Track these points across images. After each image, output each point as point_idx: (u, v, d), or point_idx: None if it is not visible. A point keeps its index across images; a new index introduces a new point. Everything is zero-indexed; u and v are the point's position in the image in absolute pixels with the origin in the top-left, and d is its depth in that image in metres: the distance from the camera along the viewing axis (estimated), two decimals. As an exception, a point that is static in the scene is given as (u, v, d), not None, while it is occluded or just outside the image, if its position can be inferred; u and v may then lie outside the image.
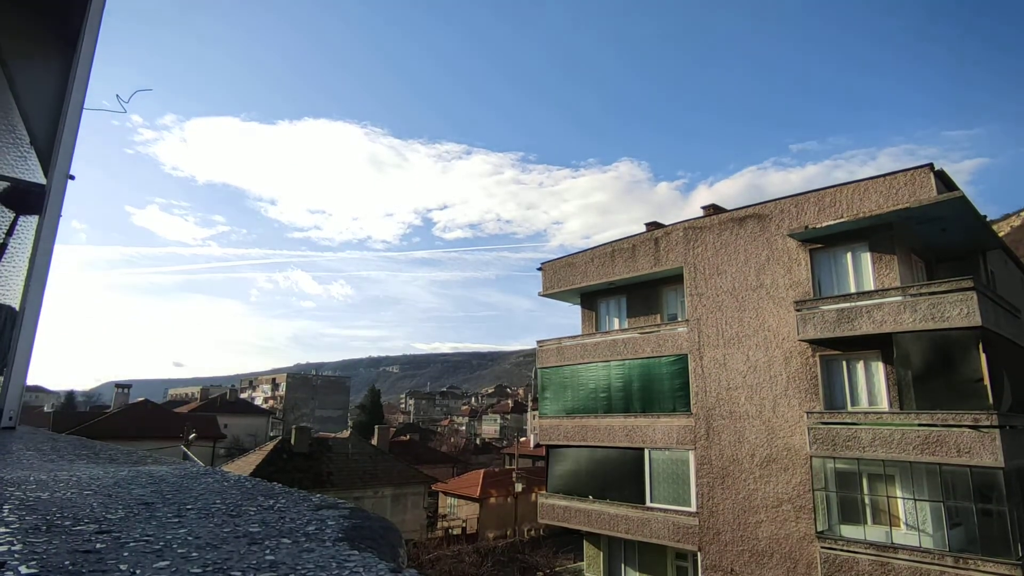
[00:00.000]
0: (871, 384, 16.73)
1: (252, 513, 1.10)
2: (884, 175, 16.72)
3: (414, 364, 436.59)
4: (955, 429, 14.28)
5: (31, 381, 2.72)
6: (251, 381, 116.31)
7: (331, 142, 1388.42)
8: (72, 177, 2.63)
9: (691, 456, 19.78)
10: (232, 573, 0.72)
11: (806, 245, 18.21)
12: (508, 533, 35.64)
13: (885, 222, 16.63)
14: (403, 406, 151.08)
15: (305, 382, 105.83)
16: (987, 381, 14.23)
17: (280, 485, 1.42)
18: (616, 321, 24.49)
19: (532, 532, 35.66)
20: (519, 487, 37.96)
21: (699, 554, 19.07)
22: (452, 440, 75.56)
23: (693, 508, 19.44)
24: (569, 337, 24.65)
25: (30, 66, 2.93)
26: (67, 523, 0.95)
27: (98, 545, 0.83)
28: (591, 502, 22.14)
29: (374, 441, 39.14)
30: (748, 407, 18.60)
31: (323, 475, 29.20)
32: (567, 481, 23.41)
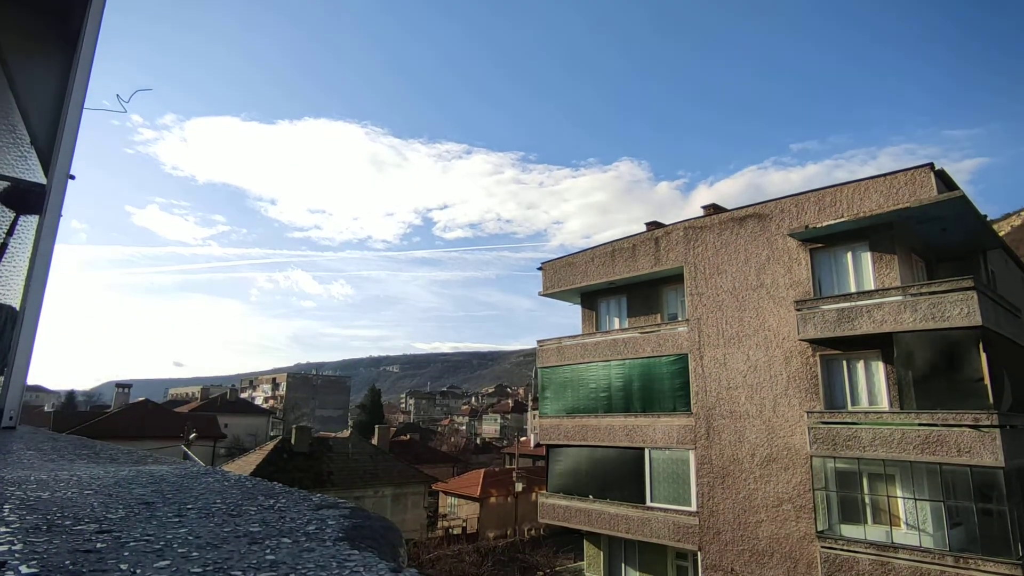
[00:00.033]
0: (871, 384, 16.73)
1: (252, 513, 1.10)
2: (884, 175, 16.72)
3: (414, 364, 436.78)
4: (955, 429, 14.28)
5: (31, 381, 2.72)
6: (251, 381, 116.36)
7: (331, 142, 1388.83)
8: (72, 177, 2.63)
9: (691, 456, 19.79)
10: (233, 573, 0.72)
11: (806, 245, 18.21)
12: (508, 533, 35.66)
13: (885, 222, 16.63)
14: (403, 406, 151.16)
15: (305, 382, 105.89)
16: (987, 381, 14.23)
17: (280, 485, 1.42)
18: (616, 321, 24.49)
19: (532, 532, 35.68)
20: (519, 487, 37.98)
21: (699, 554, 19.07)
22: (452, 440, 75.57)
23: (693, 508, 19.45)
24: (569, 337, 24.66)
25: (30, 66, 2.93)
26: (68, 523, 0.95)
27: (99, 545, 0.83)
28: (591, 502, 22.15)
29: (374, 441, 39.15)
30: (748, 407, 18.60)
31: (323, 475, 29.22)
32: (567, 481, 23.42)
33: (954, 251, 18.87)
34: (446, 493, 41.16)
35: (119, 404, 46.62)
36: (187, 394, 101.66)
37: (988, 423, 13.86)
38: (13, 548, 0.78)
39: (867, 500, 16.07)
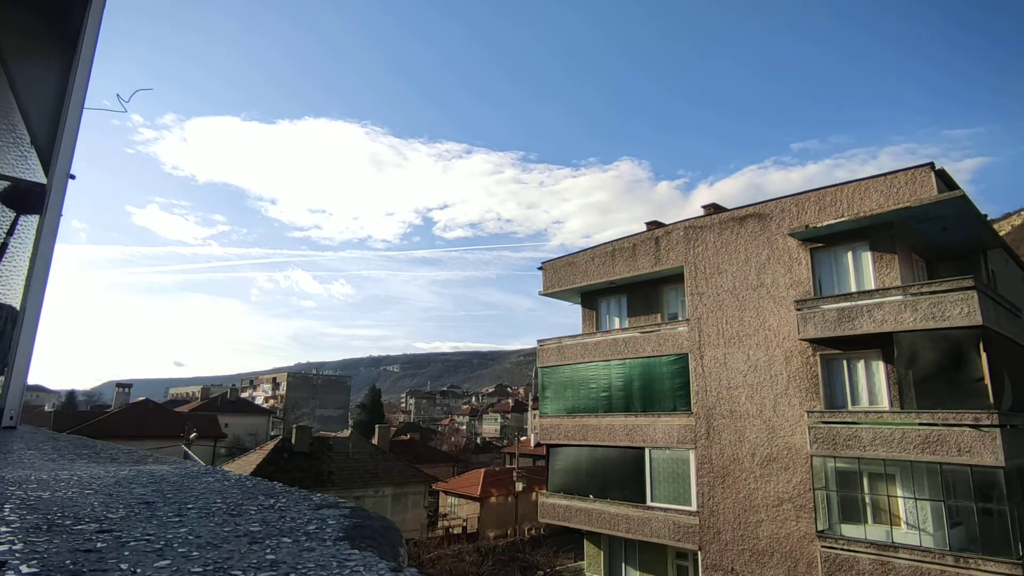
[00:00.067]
0: (872, 383, 16.73)
1: (253, 512, 1.10)
2: (885, 174, 16.71)
3: (415, 363, 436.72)
4: (956, 428, 14.28)
5: (32, 381, 2.72)
6: (252, 380, 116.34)
7: (331, 141, 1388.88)
8: (73, 176, 2.63)
9: (691, 455, 19.79)
10: (233, 572, 0.72)
11: (807, 244, 18.21)
12: (509, 532, 35.67)
13: (886, 221, 16.62)
14: (404, 405, 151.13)
15: (306, 381, 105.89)
16: (988, 380, 14.22)
17: (281, 484, 1.42)
18: (616, 320, 24.49)
19: (533, 531, 35.69)
20: (520, 486, 37.97)
21: (699, 553, 19.08)
22: (453, 439, 75.56)
23: (693, 507, 19.45)
24: (570, 336, 24.66)
25: (31, 65, 2.93)
26: (68, 522, 0.95)
27: (99, 544, 0.83)
28: (592, 501, 22.15)
29: (375, 440, 39.16)
30: (749, 406, 18.60)
31: (324, 474, 29.23)
32: (568, 480, 23.42)
33: (954, 250, 18.87)
34: (446, 493, 41.17)
35: (119, 404, 46.65)
36: (187, 394, 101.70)
37: (988, 423, 13.85)
38: (14, 548, 0.78)
39: (867, 500, 16.07)
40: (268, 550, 0.83)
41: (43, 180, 2.69)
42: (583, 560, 24.36)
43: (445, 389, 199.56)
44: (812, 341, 17.33)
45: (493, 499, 38.19)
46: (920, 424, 14.82)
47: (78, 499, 1.15)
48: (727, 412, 19.06)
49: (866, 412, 16.19)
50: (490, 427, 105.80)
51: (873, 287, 16.56)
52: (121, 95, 3.31)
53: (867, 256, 17.16)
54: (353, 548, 0.86)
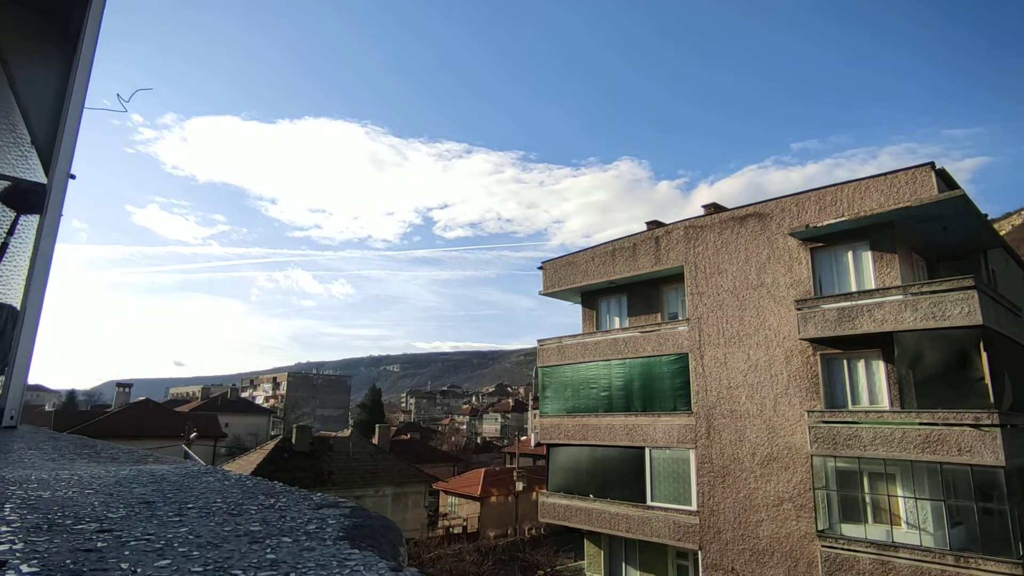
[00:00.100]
0: (872, 383, 16.73)
1: (253, 512, 1.10)
2: (885, 174, 16.71)
3: (415, 363, 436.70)
4: (956, 428, 14.28)
5: (32, 380, 2.72)
6: (252, 380, 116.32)
7: (331, 141, 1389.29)
8: (73, 176, 2.63)
9: (692, 455, 19.79)
10: (233, 572, 0.72)
11: (807, 244, 18.20)
12: (509, 532, 35.67)
13: (886, 221, 16.61)
14: (404, 405, 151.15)
15: (306, 381, 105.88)
16: (988, 380, 14.21)
17: (281, 484, 1.42)
18: (617, 320, 24.49)
19: (533, 531, 35.70)
20: (520, 486, 37.97)
21: (700, 553, 19.08)
22: (453, 439, 75.57)
23: (694, 507, 19.45)
24: (570, 336, 24.65)
25: (31, 65, 2.93)
26: (68, 522, 0.95)
27: (99, 544, 0.83)
28: (592, 501, 22.15)
29: (375, 440, 39.16)
30: (749, 406, 18.60)
31: (324, 474, 29.23)
32: (568, 480, 23.42)
33: (955, 250, 18.86)
34: (447, 492, 41.18)
35: (120, 403, 46.67)
36: (188, 393, 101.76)
37: (989, 422, 13.85)
38: (14, 547, 0.78)
39: (868, 499, 16.07)
40: (268, 550, 0.83)
41: (43, 180, 2.69)
42: (583, 560, 24.36)
43: (445, 389, 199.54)
44: (812, 341, 17.32)
45: (493, 499, 38.20)
46: (920, 424, 14.82)
47: (78, 499, 1.15)
48: (727, 412, 19.06)
49: (866, 412, 16.18)
50: (490, 427, 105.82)
51: (873, 287, 16.55)
52: (121, 95, 3.31)
53: (867, 256, 17.16)
54: (353, 548, 0.86)
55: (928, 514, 14.96)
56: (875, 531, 15.58)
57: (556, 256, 26.47)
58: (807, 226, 17.79)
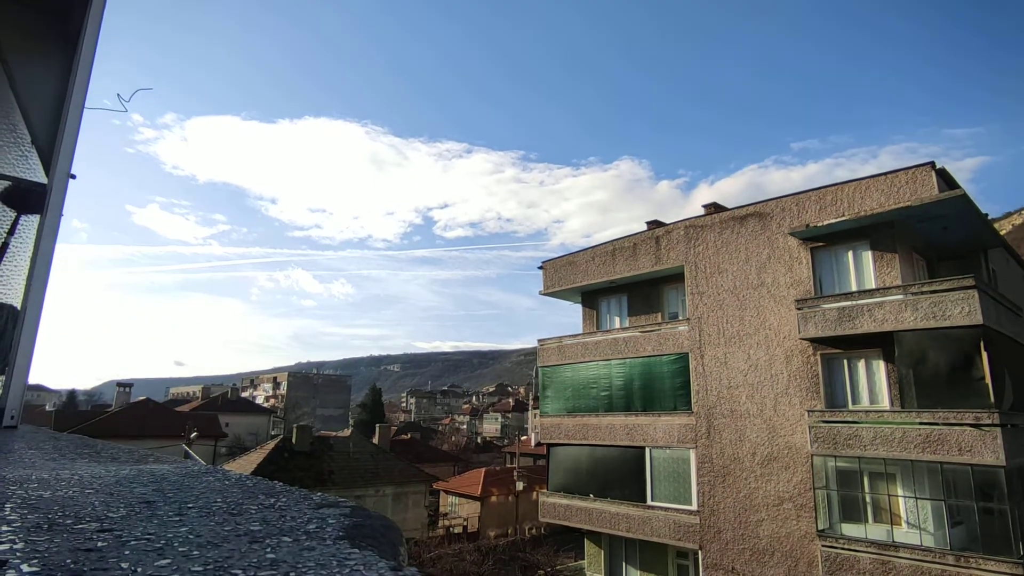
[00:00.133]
0: (872, 382, 16.72)
1: (253, 511, 1.10)
2: (885, 173, 16.70)
3: (415, 363, 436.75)
4: (956, 428, 14.27)
5: (33, 380, 2.72)
6: (252, 380, 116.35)
7: (332, 141, 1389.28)
8: (73, 176, 2.63)
9: (692, 455, 19.79)
10: (233, 571, 0.72)
11: (807, 243, 18.19)
12: (509, 532, 35.67)
13: (886, 220, 16.61)
14: (404, 405, 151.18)
15: (306, 381, 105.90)
16: (988, 379, 14.21)
17: (281, 484, 1.42)
18: (617, 320, 24.49)
19: (533, 531, 35.70)
20: (520, 486, 37.99)
21: (700, 552, 19.08)
22: (453, 439, 75.59)
23: (694, 507, 19.45)
24: (570, 336, 24.65)
25: (31, 65, 2.93)
26: (69, 521, 0.95)
27: (100, 543, 0.83)
28: (592, 501, 22.15)
29: (375, 440, 39.17)
30: (749, 406, 18.60)
31: (324, 474, 29.24)
32: (568, 480, 23.42)
33: (955, 250, 18.85)
34: (447, 492, 41.19)
35: (120, 403, 46.70)
36: (188, 393, 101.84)
37: (989, 422, 13.85)
38: (15, 547, 0.78)
39: (868, 499, 16.07)
40: (268, 549, 0.83)
41: (44, 180, 2.69)
42: (584, 559, 24.36)
43: (445, 388, 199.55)
44: (813, 340, 17.32)
45: (494, 498, 38.20)
46: (921, 423, 14.81)
47: (79, 498, 1.15)
48: (728, 411, 19.05)
49: (867, 411, 16.18)
50: (491, 426, 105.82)
51: (874, 286, 16.55)
52: (121, 95, 3.31)
53: (868, 255, 17.15)
54: (353, 547, 0.86)
55: (928, 514, 14.96)
56: (875, 531, 15.58)
57: (556, 256, 26.48)
58: (807, 226, 17.79)
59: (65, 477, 1.42)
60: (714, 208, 22.13)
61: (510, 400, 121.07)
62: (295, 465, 28.81)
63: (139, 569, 0.71)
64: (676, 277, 22.04)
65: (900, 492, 15.59)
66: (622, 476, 21.49)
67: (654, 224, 23.81)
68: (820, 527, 16.31)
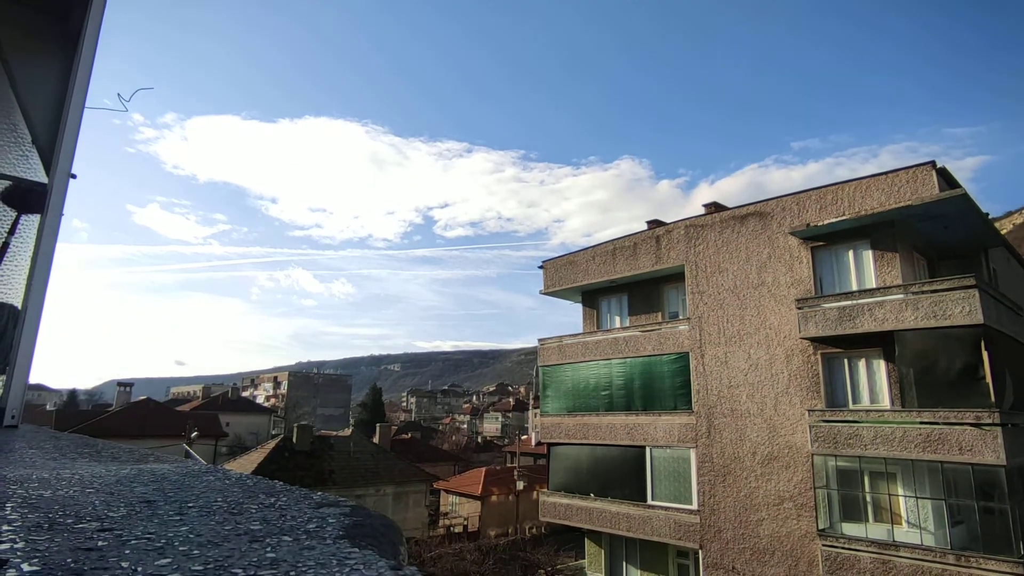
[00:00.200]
0: (873, 382, 16.72)
1: (253, 511, 1.10)
2: (886, 173, 16.69)
3: (415, 362, 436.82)
4: (957, 427, 14.27)
5: (33, 380, 2.72)
6: (253, 379, 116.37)
7: (332, 140, 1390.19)
8: (74, 176, 2.64)
9: (692, 454, 19.78)
10: (233, 570, 0.72)
11: (808, 243, 18.18)
12: (510, 531, 35.68)
13: (887, 220, 16.60)
14: (404, 404, 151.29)
15: (307, 380, 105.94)
16: (989, 379, 14.20)
17: (281, 483, 1.43)
18: (617, 319, 24.48)
19: (533, 530, 35.71)
20: (520, 485, 38.01)
21: (700, 552, 19.08)
22: (454, 438, 75.64)
23: (694, 506, 19.45)
24: (570, 335, 24.65)
25: (32, 65, 2.93)
26: (69, 521, 0.95)
27: (100, 543, 0.83)
28: (592, 500, 22.16)
29: (376, 439, 39.19)
30: (749, 405, 18.59)
31: (325, 473, 29.25)
32: (568, 479, 23.43)
33: (956, 249, 18.84)
34: (447, 491, 41.20)
35: (121, 403, 46.75)
36: (189, 393, 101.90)
37: (990, 421, 13.84)
38: (15, 546, 0.79)
39: (868, 498, 16.06)
40: (268, 548, 0.83)
41: (44, 179, 2.69)
42: (584, 559, 24.37)
43: (446, 388, 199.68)
44: (813, 340, 17.31)
45: (494, 498, 38.22)
46: (921, 423, 14.81)
47: (79, 498, 1.16)
48: (728, 411, 19.05)
49: (867, 411, 16.17)
50: (491, 426, 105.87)
51: (874, 286, 16.54)
52: (122, 94, 3.31)
53: (868, 255, 17.14)
54: (353, 546, 0.86)
55: (929, 513, 14.95)
56: (876, 530, 15.58)
57: (557, 255, 26.51)
58: (808, 225, 17.78)
59: (66, 476, 1.42)
60: (714, 207, 22.11)
61: (510, 400, 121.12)
62: (296, 464, 28.82)
63: (139, 568, 0.72)
64: (676, 276, 22.03)
65: (901, 491, 15.58)
66: (622, 475, 21.49)
67: (654, 223, 23.80)
68: (820, 526, 16.31)
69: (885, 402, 16.27)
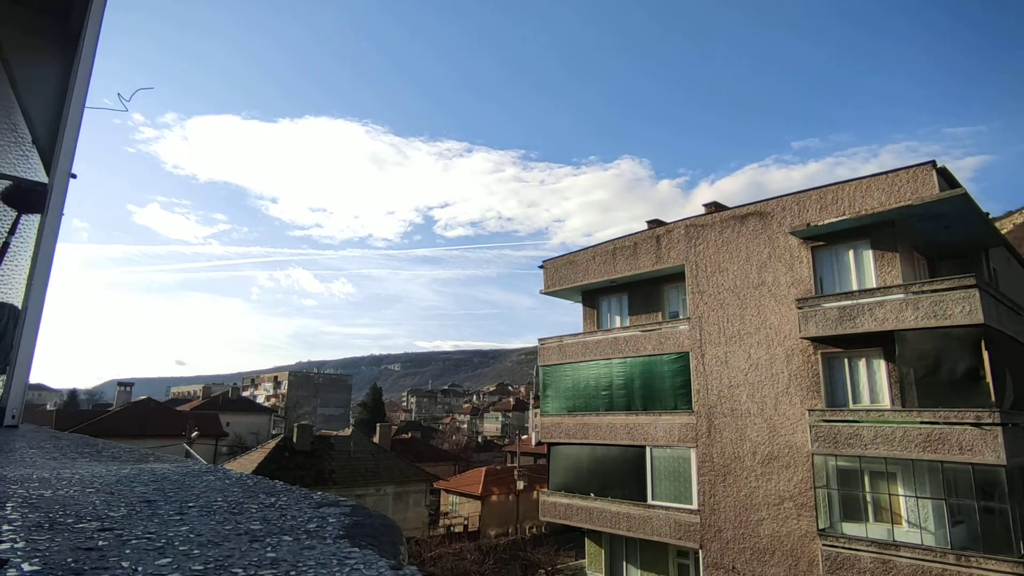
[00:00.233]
0: (873, 382, 16.71)
1: (254, 511, 1.10)
2: (886, 172, 16.68)
3: (416, 362, 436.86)
4: (957, 427, 14.26)
5: (34, 379, 2.73)
6: (253, 379, 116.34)
7: (332, 140, 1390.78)
8: (74, 176, 2.64)
9: (692, 454, 19.78)
10: (234, 570, 0.72)
11: (808, 243, 18.18)
12: (510, 531, 35.69)
13: (887, 219, 16.59)
14: (405, 404, 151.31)
15: (307, 380, 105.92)
16: (989, 379, 14.20)
17: (282, 483, 1.43)
18: (617, 319, 24.48)
19: (534, 530, 35.71)
20: (521, 485, 38.01)
21: (700, 552, 19.08)
22: (454, 438, 75.64)
23: (694, 506, 19.45)
24: (571, 335, 24.65)
25: (32, 65, 2.93)
26: (70, 520, 0.95)
27: (100, 542, 0.83)
28: (592, 500, 22.16)
29: (376, 439, 39.19)
30: (750, 405, 18.59)
31: (325, 473, 29.25)
32: (569, 479, 23.43)
33: (956, 249, 18.83)
34: (448, 491, 41.20)
35: (121, 403, 46.74)
36: (189, 392, 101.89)
37: (990, 421, 13.84)
38: (15, 546, 0.79)
39: (868, 498, 16.06)
40: (269, 548, 0.83)
41: (44, 179, 2.69)
42: (584, 558, 24.37)
43: (446, 388, 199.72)
44: (813, 339, 17.31)
45: (494, 497, 38.22)
46: (921, 422, 14.80)
47: (80, 497, 1.16)
48: (728, 410, 19.05)
49: (867, 410, 16.17)
50: (491, 426, 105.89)
51: (874, 285, 16.53)
52: (122, 94, 3.32)
53: (868, 254, 17.14)
54: (353, 546, 0.86)
55: (929, 513, 14.95)
56: (876, 530, 15.58)
57: (557, 255, 26.52)
58: (808, 225, 17.77)
59: (66, 476, 1.42)
60: (715, 207, 22.11)
61: (511, 399, 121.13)
62: (296, 464, 28.82)
63: (140, 568, 0.72)
64: (677, 276, 22.02)
65: (901, 491, 15.58)
66: (622, 475, 21.49)
67: (655, 223, 23.79)
68: (821, 526, 16.30)
69: (885, 402, 16.27)
